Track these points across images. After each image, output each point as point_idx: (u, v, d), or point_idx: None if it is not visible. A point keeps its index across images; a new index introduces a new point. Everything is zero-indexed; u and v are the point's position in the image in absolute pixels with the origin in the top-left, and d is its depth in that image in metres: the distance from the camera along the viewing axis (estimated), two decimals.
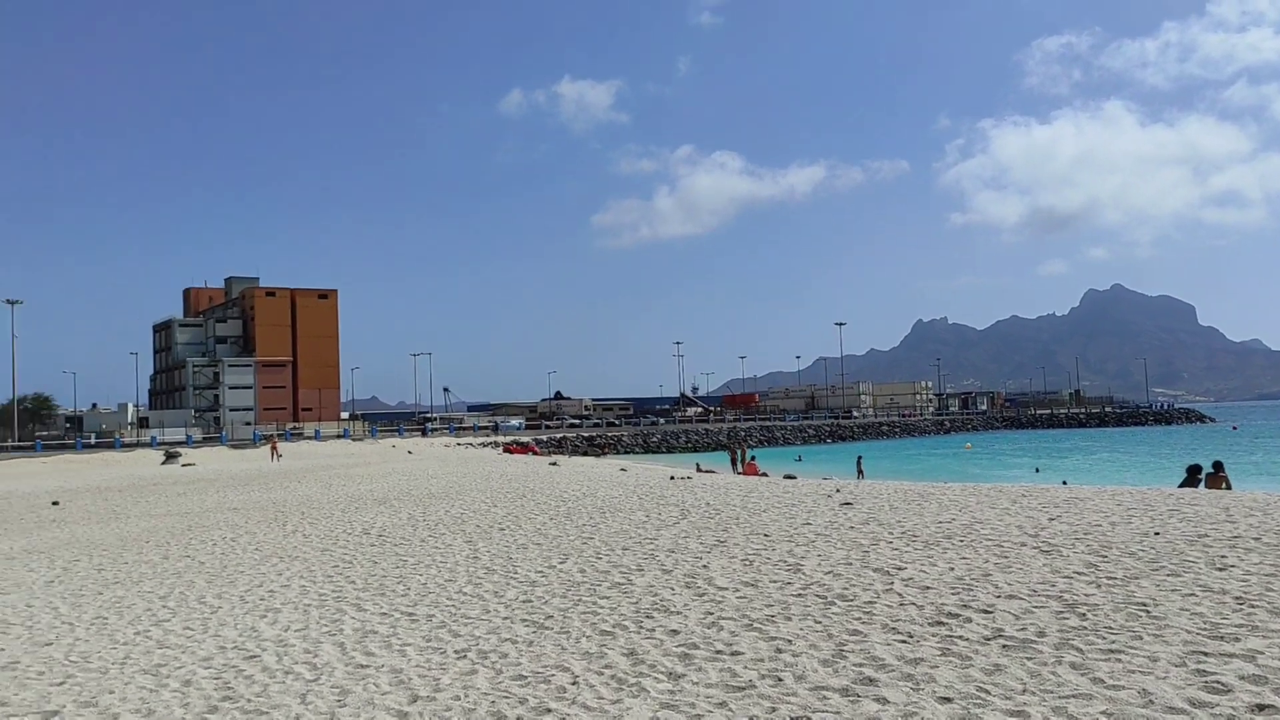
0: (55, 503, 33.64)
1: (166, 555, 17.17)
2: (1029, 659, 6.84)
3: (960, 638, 7.59)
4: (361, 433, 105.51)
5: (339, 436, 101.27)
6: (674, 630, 8.58)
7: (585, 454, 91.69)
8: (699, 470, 44.99)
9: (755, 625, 8.53)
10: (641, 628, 8.79)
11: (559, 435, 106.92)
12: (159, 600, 12.37)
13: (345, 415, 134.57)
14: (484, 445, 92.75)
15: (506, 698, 6.87)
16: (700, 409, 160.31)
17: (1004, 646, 7.24)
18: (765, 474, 43.75)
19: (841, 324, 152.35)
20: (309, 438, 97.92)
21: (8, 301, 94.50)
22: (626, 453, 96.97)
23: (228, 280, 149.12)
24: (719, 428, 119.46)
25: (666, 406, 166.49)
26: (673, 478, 32.49)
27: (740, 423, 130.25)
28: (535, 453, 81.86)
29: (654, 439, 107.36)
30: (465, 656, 8.26)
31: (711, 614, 9.13)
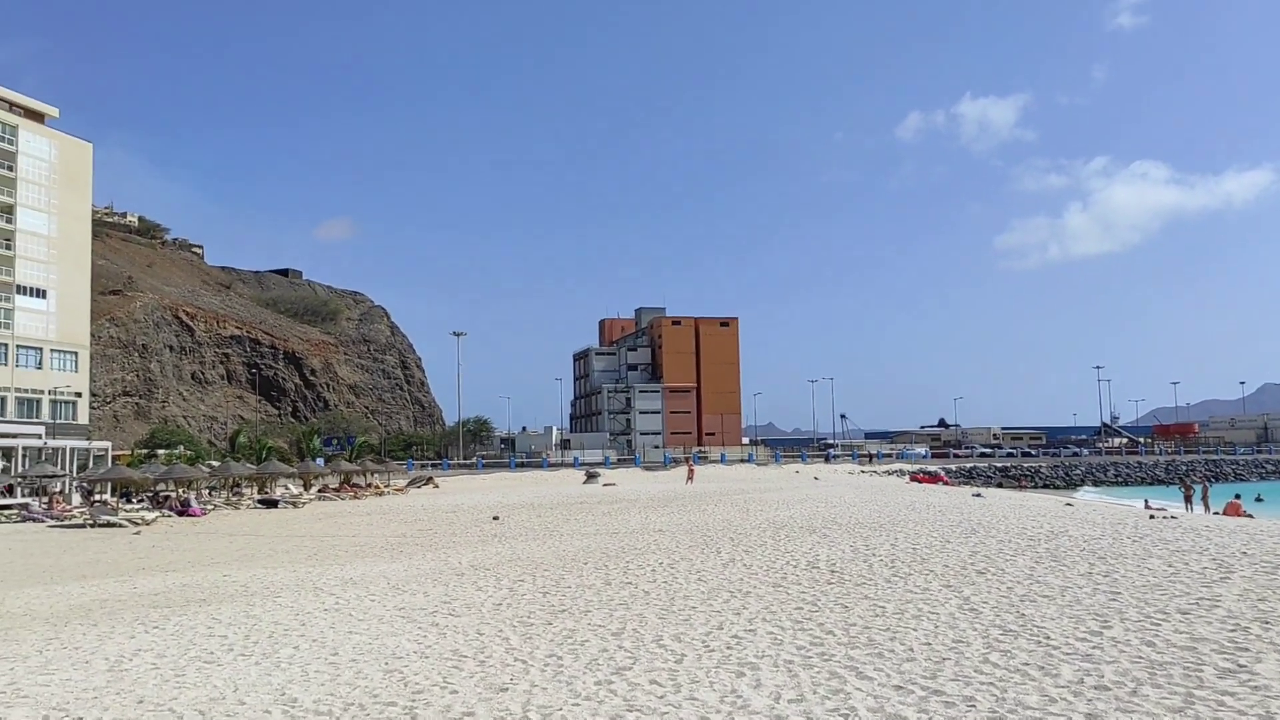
0: (496, 517, 35.07)
1: (608, 581, 15.98)
2: None
3: None
4: (765, 458, 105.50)
5: (743, 461, 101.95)
6: None
7: (1000, 485, 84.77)
8: (1148, 507, 38.57)
9: None
10: None
11: (969, 465, 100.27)
12: (612, 638, 10.79)
13: (745, 440, 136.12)
14: (888, 473, 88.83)
15: None
16: (1126, 440, 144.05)
17: None
18: (1251, 515, 36.44)
19: None
20: (714, 461, 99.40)
21: (454, 334, 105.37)
22: (1045, 486, 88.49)
23: (637, 311, 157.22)
24: (1153, 460, 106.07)
25: (1084, 437, 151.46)
26: (1151, 516, 27.39)
27: (1179, 455, 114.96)
28: (945, 482, 76.60)
29: (1076, 472, 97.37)
30: None
31: None
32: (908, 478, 79.44)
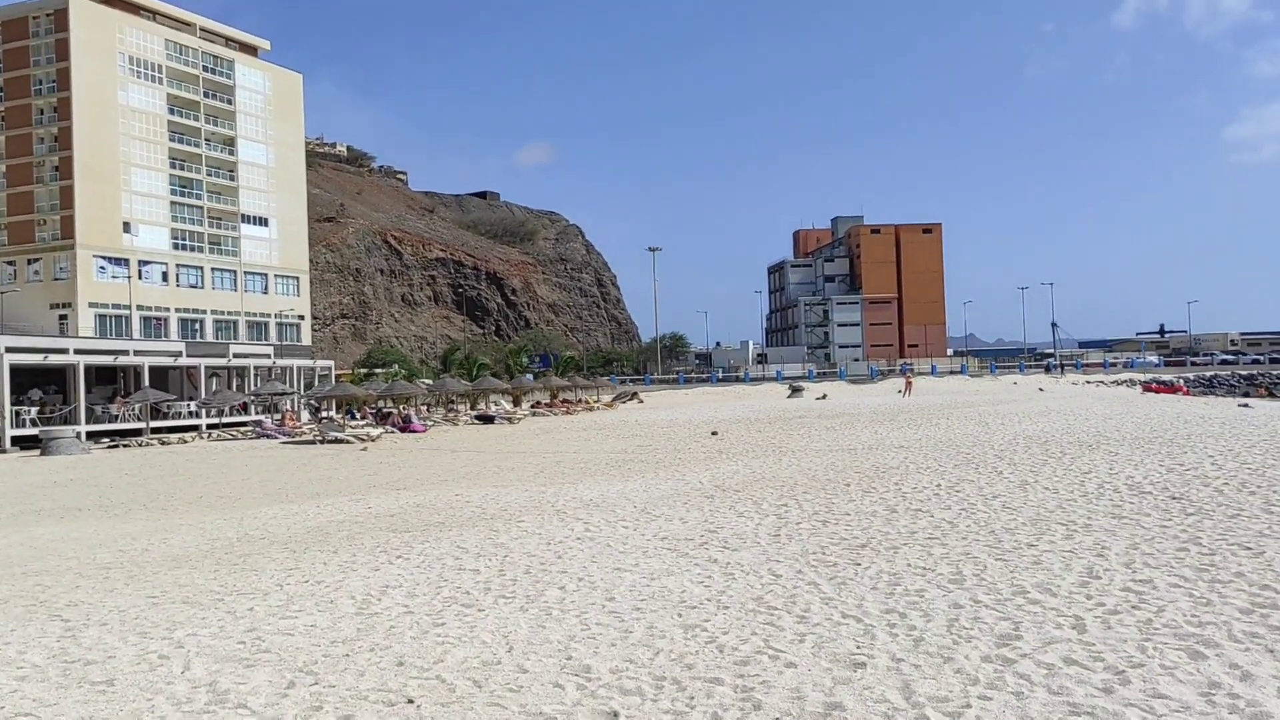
0: (714, 433, 33.35)
1: (891, 507, 13.69)
2: None
3: None
4: (978, 369, 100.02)
5: (953, 373, 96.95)
6: None
7: (1246, 395, 76.99)
8: None
9: None
10: None
11: (1208, 373, 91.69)
12: (953, 586, 8.50)
13: (950, 351, 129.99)
14: (1116, 384, 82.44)
15: None
16: None
17: None
18: None
19: None
20: (924, 373, 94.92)
21: (649, 249, 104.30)
22: None
23: (834, 220, 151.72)
24: None
25: None
26: None
27: None
28: (1185, 392, 69.98)
29: None
30: None
31: None
32: (1140, 388, 73.24)
